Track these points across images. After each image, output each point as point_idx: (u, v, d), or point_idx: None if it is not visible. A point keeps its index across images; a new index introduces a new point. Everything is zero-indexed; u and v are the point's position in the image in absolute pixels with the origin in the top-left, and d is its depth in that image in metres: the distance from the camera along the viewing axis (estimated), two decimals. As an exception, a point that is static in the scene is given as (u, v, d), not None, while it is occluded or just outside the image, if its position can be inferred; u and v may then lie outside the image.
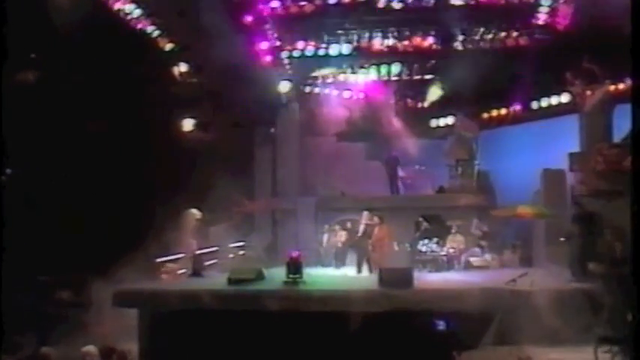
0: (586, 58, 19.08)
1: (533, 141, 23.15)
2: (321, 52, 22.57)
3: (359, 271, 19.38)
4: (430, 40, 22.25)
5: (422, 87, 24.65)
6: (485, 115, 24.67)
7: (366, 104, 24.30)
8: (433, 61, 23.48)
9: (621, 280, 13.23)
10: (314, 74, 23.89)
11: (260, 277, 17.25)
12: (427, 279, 17.25)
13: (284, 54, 22.72)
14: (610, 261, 14.37)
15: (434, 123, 26.10)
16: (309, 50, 22.52)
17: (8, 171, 19.47)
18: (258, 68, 22.19)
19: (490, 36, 21.95)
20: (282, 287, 16.47)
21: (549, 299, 14.15)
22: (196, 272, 19.52)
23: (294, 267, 16.80)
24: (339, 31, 22.36)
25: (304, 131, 24.34)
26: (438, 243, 20.43)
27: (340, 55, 22.54)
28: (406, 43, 22.35)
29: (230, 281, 16.90)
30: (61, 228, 20.03)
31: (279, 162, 24.08)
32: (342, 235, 20.81)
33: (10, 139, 16.11)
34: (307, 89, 24.51)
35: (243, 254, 22.34)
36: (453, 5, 21.75)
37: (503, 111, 24.33)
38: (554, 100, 22.76)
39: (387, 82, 23.83)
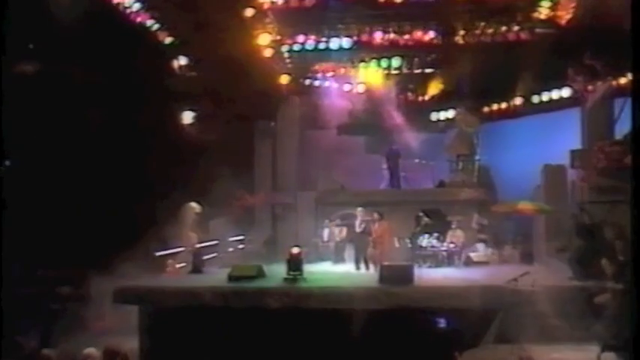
0: (588, 54, 19.00)
1: (533, 134, 23.16)
2: (322, 45, 22.39)
3: (357, 267, 19.34)
4: (431, 34, 22.05)
5: (422, 81, 24.52)
6: (486, 109, 24.59)
7: (366, 98, 24.16)
8: (434, 55, 23.31)
9: (622, 280, 13.19)
10: (314, 68, 23.70)
11: (260, 274, 17.22)
12: (428, 276, 17.18)
13: (284, 48, 22.56)
14: (611, 260, 14.28)
15: (434, 116, 26.02)
16: (310, 44, 22.36)
17: (7, 163, 19.44)
18: (258, 62, 22.03)
19: (491, 30, 21.73)
20: (282, 284, 16.42)
21: (551, 298, 14.11)
22: (196, 269, 19.47)
23: (295, 264, 16.75)
24: (340, 25, 22.18)
25: (304, 125, 24.28)
26: (438, 238, 20.41)
27: (341, 48, 22.36)
28: (407, 37, 22.15)
29: (230, 278, 16.87)
30: (61, 222, 20.02)
31: (279, 156, 24.06)
32: (342, 231, 20.70)
33: (9, 132, 16.04)
34: (307, 83, 24.33)
35: (243, 248, 22.36)
36: (455, -1, 21.70)
37: (504, 105, 24.23)
38: (555, 94, 22.71)
39: (388, 75, 23.63)
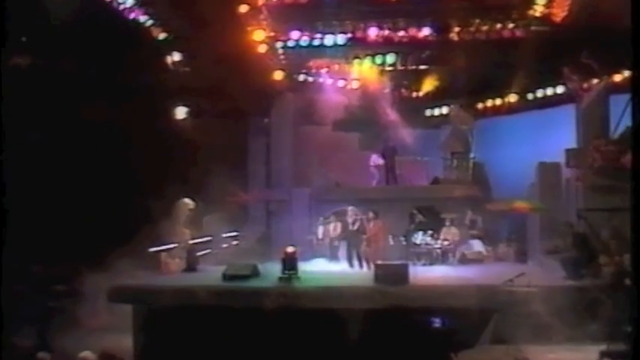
0: (584, 53, 18.97)
1: (528, 131, 23.13)
2: (316, 42, 22.28)
3: (350, 265, 19.32)
4: (426, 31, 21.97)
5: (417, 77, 24.47)
6: (481, 106, 24.56)
7: (360, 94, 24.10)
8: (428, 52, 23.24)
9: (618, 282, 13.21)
10: (308, 64, 23.62)
11: (255, 273, 17.18)
12: (423, 275, 17.13)
13: (278, 44, 22.45)
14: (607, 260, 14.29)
15: (428, 113, 25.98)
16: (304, 40, 22.24)
17: (-1, 158, 19.25)
18: (252, 58, 21.92)
19: (486, 27, 21.67)
20: (277, 284, 16.39)
21: (546, 299, 14.08)
22: (190, 267, 19.39)
23: (290, 263, 16.71)
24: (334, 22, 22.07)
25: (298, 121, 24.21)
26: (432, 236, 20.42)
27: (335, 45, 22.25)
28: (402, 33, 22.07)
29: (225, 277, 16.83)
30: (53, 218, 19.89)
31: (273, 152, 23.98)
32: (337, 228, 20.65)
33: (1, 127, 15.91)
34: (302, 79, 24.25)
35: (237, 245, 22.32)
36: (450, -5, 21.64)
37: (499, 101, 24.21)
38: (550, 91, 22.68)
39: (382, 72, 23.56)
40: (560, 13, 20.74)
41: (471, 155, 23.11)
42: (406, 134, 23.46)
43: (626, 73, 20.00)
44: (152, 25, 21.48)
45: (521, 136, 23.17)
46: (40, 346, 14.78)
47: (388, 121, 23.51)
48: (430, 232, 20.52)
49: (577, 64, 19.41)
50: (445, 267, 19.41)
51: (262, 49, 22.23)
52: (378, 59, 23.29)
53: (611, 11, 17.48)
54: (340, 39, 22.16)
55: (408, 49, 23.07)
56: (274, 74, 23.11)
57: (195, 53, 21.88)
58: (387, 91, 23.92)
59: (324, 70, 23.88)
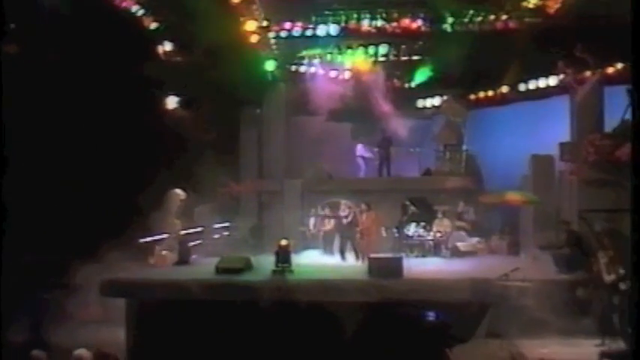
0: (578, 47, 18.93)
1: (521, 122, 23.08)
2: (309, 32, 22.14)
3: (343, 257, 19.27)
4: (419, 22, 21.87)
5: (409, 68, 24.35)
6: (474, 97, 24.50)
7: (352, 85, 23.97)
8: (421, 43, 23.14)
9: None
10: (301, 54, 23.49)
11: (248, 266, 17.12)
12: (417, 268, 17.08)
13: (271, 34, 22.30)
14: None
15: (420, 103, 25.90)
16: (297, 31, 22.10)
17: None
18: (244, 48, 21.78)
19: (480, 18, 21.58)
20: (270, 277, 16.34)
21: (541, 293, 14.10)
22: (183, 259, 19.29)
23: (283, 256, 16.67)
24: (327, 12, 21.92)
25: (291, 111, 24.10)
26: (425, 227, 20.41)
27: (328, 35, 22.12)
28: (395, 24, 21.96)
29: (218, 270, 16.77)
30: (44, 209, 19.76)
31: (265, 143, 23.86)
32: (329, 220, 20.61)
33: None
34: (294, 69, 24.12)
35: (229, 235, 22.27)
36: (443, -13, 21.52)
37: (492, 93, 24.16)
38: (543, 82, 22.62)
39: (375, 62, 23.45)
40: (553, 5, 20.64)
41: (464, 147, 23.05)
42: (398, 125, 23.35)
43: (619, 66, 20.06)
44: (143, 14, 21.29)
45: (513, 127, 23.13)
46: (34, 340, 14.70)
47: (380, 111, 23.38)
48: (423, 223, 20.50)
49: (571, 57, 19.32)
50: (438, 259, 19.41)
51: (255, 39, 22.08)
52: (371, 50, 23.17)
53: (604, 3, 17.51)
54: (333, 29, 22.02)
55: (400, 40, 22.95)
56: (267, 64, 22.94)
57: (187, 43, 21.68)
58: (379, 81, 23.76)
59: (316, 61, 23.72)
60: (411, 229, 20.45)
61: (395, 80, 24.93)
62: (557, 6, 20.48)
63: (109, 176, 20.68)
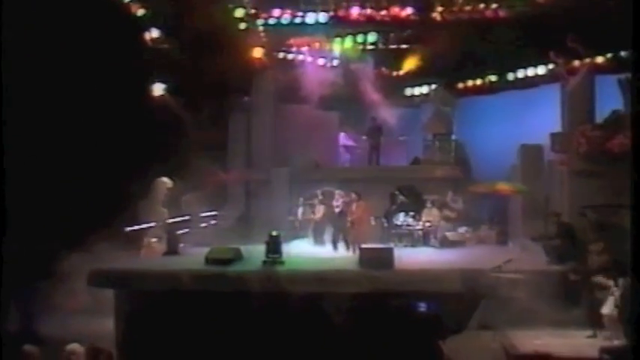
0: (570, 37, 18.91)
1: (510, 111, 23.11)
2: (298, 20, 22.03)
3: (335, 247, 19.18)
4: (408, 10, 21.78)
5: (398, 56, 24.27)
6: (463, 85, 24.47)
7: (341, 73, 23.87)
8: (410, 31, 23.06)
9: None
10: (289, 42, 23.33)
11: (238, 257, 16.96)
12: (408, 259, 16.97)
13: (260, 21, 22.14)
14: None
15: (409, 92, 25.82)
16: (286, 18, 21.97)
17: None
18: (233, 36, 21.61)
19: (469, 7, 21.52)
20: (261, 268, 16.21)
21: (533, 284, 14.06)
22: (171, 250, 19.13)
23: (274, 247, 16.52)
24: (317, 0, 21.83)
25: (279, 100, 23.96)
26: (414, 217, 20.35)
27: (317, 23, 22.01)
28: (384, 12, 21.87)
29: (208, 261, 16.61)
30: (30, 198, 19.54)
31: (253, 131, 23.71)
32: (319, 210, 20.42)
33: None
34: (282, 57, 23.96)
35: (216, 224, 22.15)
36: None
37: (480, 81, 24.15)
38: (532, 71, 22.64)
39: (363, 50, 23.35)
40: (543, -6, 20.68)
41: (453, 137, 23.03)
42: (386, 113, 23.29)
43: (610, 55, 20.10)
44: (131, 1, 21.07)
45: (502, 116, 23.15)
46: (25, 331, 14.55)
47: (369, 100, 23.30)
48: (412, 213, 20.44)
49: (562, 47, 19.31)
50: (428, 249, 19.33)
51: (243, 26, 21.93)
52: (360, 38, 23.08)
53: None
54: (322, 17, 21.91)
55: (390, 28, 22.87)
56: (255, 52, 22.77)
57: (174, 30, 21.49)
58: (367, 70, 23.67)
59: (305, 49, 23.58)
60: (400, 219, 20.38)
61: (383, 68, 24.84)
62: (547, -5, 20.50)
63: (95, 164, 20.50)
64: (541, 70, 22.26)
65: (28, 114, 19.80)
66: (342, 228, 19.11)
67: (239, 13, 21.48)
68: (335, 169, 23.12)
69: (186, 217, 21.42)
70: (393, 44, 23.63)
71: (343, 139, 24.07)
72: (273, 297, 15.23)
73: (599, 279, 13.13)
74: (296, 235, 20.77)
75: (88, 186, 20.18)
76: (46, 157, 20.00)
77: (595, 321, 13.24)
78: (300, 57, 23.88)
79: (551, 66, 21.05)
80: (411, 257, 17.35)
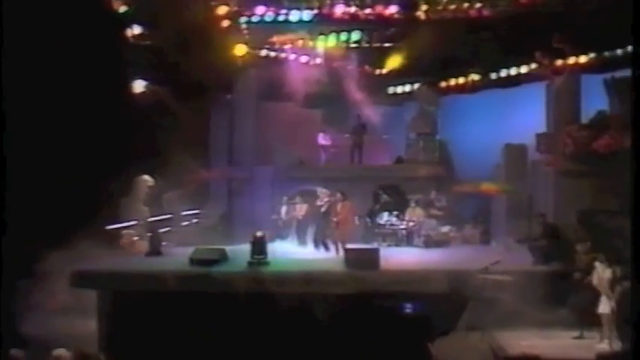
0: (555, 37, 18.92)
1: (493, 110, 23.10)
2: (281, 17, 21.85)
3: (316, 247, 19.01)
4: (392, 9, 21.69)
5: (382, 54, 24.16)
6: (446, 84, 24.42)
7: (324, 71, 23.72)
8: (393, 29, 22.96)
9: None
10: (272, 40, 23.15)
11: (223, 257, 16.80)
12: (393, 259, 16.90)
13: (242, 19, 21.95)
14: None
15: (392, 90, 25.76)
16: (269, 16, 21.79)
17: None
18: (215, 33, 21.42)
19: (453, 6, 21.46)
20: (246, 269, 16.08)
21: (519, 286, 14.07)
22: (154, 251, 18.91)
23: (259, 247, 16.40)
24: (301, -3, 21.70)
25: (261, 97, 23.79)
26: (397, 216, 20.31)
27: (300, 21, 21.85)
28: (368, 10, 21.76)
29: (193, 262, 16.45)
30: (9, 197, 19.26)
31: (235, 129, 23.52)
32: (302, 209, 20.26)
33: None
34: (265, 54, 23.77)
35: (198, 222, 21.98)
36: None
37: (464, 80, 24.11)
38: (516, 70, 22.63)
39: (347, 49, 23.22)
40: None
41: (437, 136, 23.01)
42: (369, 111, 23.21)
43: (592, 55, 20.13)
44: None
45: (485, 115, 23.12)
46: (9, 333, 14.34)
47: (352, 98, 23.21)
48: (395, 212, 20.40)
49: (547, 46, 19.32)
50: (413, 249, 19.29)
51: (226, 23, 21.73)
52: (343, 36, 22.93)
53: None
54: (306, 15, 21.77)
55: (374, 26, 22.76)
56: (237, 49, 22.57)
57: (156, 27, 21.25)
58: (351, 68, 23.57)
59: (288, 46, 23.39)
60: (384, 218, 20.35)
61: (367, 67, 24.72)
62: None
63: (76, 162, 20.23)
64: (525, 69, 22.22)
65: (6, 112, 19.55)
66: (326, 228, 18.94)
67: (222, 10, 21.25)
68: (318, 167, 23.03)
69: (168, 216, 21.21)
70: (377, 42, 23.43)
71: (321, 139, 23.98)
72: (259, 298, 15.13)
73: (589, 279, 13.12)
74: (279, 235, 20.61)
75: (68, 184, 19.88)
76: (25, 155, 19.64)
77: (583, 321, 13.27)
78: (284, 55, 23.63)
79: (534, 65, 20.97)
80: (396, 258, 17.29)
